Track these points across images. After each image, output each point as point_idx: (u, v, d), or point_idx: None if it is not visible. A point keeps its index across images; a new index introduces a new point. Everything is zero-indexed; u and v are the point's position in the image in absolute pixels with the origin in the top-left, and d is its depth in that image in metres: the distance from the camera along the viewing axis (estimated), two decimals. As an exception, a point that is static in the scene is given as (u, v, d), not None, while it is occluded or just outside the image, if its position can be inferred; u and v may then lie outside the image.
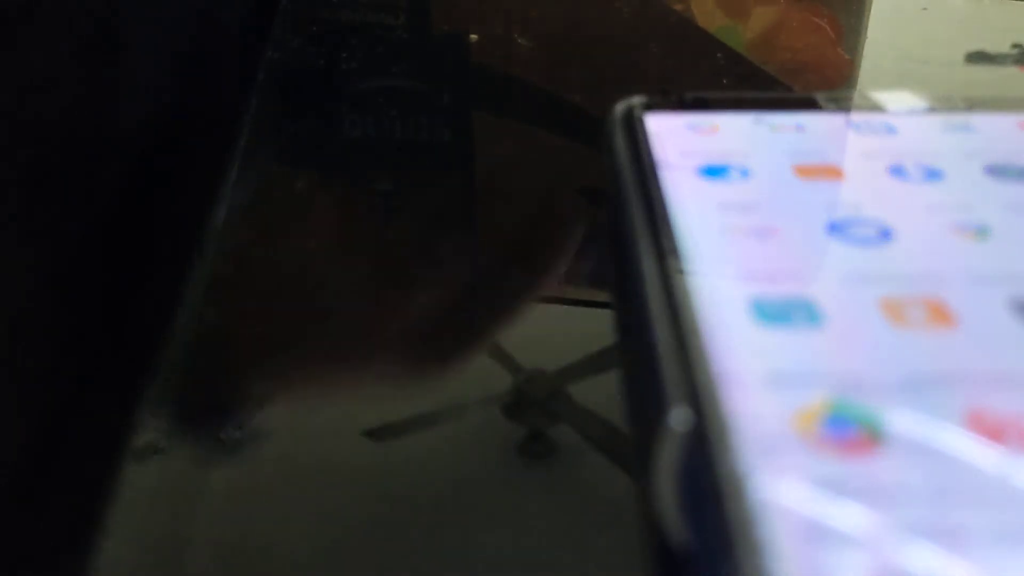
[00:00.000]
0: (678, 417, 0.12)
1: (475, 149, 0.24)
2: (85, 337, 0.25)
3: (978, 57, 0.29)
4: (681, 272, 0.15)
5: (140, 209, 0.27)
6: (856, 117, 0.20)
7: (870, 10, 0.34)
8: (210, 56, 0.31)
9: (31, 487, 0.24)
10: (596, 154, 0.20)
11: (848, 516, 0.11)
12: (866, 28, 0.32)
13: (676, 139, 0.19)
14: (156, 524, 0.13)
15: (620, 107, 0.21)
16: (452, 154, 0.23)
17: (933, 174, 0.18)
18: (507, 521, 0.13)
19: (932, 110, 0.21)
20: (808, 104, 0.21)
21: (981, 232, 0.16)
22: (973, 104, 0.21)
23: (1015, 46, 0.29)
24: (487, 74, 0.28)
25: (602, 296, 0.17)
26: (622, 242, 0.17)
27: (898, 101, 0.21)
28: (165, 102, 0.28)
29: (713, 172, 0.18)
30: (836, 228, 0.16)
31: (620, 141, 0.19)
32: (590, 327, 0.17)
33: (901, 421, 0.12)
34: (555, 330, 0.17)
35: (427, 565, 0.13)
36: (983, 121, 0.20)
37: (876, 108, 0.21)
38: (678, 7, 0.33)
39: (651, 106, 0.21)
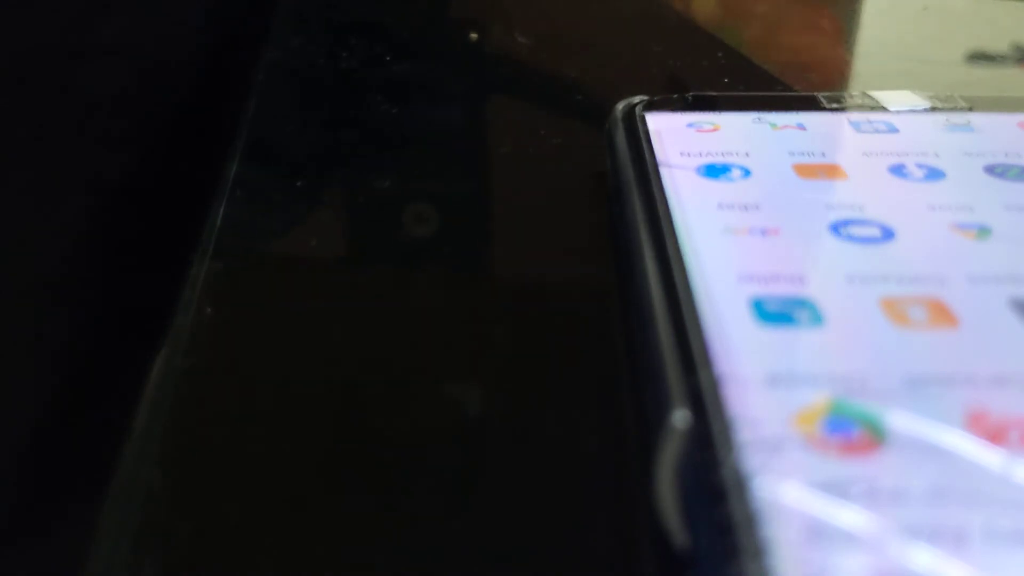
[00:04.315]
0: (679, 417, 0.12)
1: (477, 146, 0.24)
2: (84, 338, 0.25)
3: (978, 57, 0.29)
4: (682, 272, 0.15)
5: (140, 208, 0.27)
6: (857, 116, 0.20)
7: (862, 9, 0.34)
8: (209, 57, 0.31)
9: (32, 486, 0.24)
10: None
11: (849, 516, 0.11)
12: (858, 27, 0.32)
13: (677, 138, 0.19)
14: (155, 524, 0.13)
15: (621, 106, 0.21)
16: (457, 148, 0.23)
17: (934, 173, 0.18)
18: (506, 520, 0.13)
19: (933, 110, 0.21)
20: (808, 104, 0.21)
21: (981, 232, 0.16)
22: (973, 104, 0.21)
23: (1015, 46, 0.29)
24: (489, 69, 0.28)
25: (602, 296, 0.17)
26: (623, 241, 0.17)
27: (899, 101, 0.21)
28: (162, 102, 0.28)
29: (714, 171, 0.18)
30: (837, 227, 0.16)
31: (621, 140, 0.19)
32: (590, 326, 0.17)
33: (902, 421, 0.12)
34: (555, 329, 0.17)
35: (428, 564, 0.13)
36: (983, 121, 0.20)
37: (877, 107, 0.21)
38: (678, 7, 0.33)
39: (652, 105, 0.21)
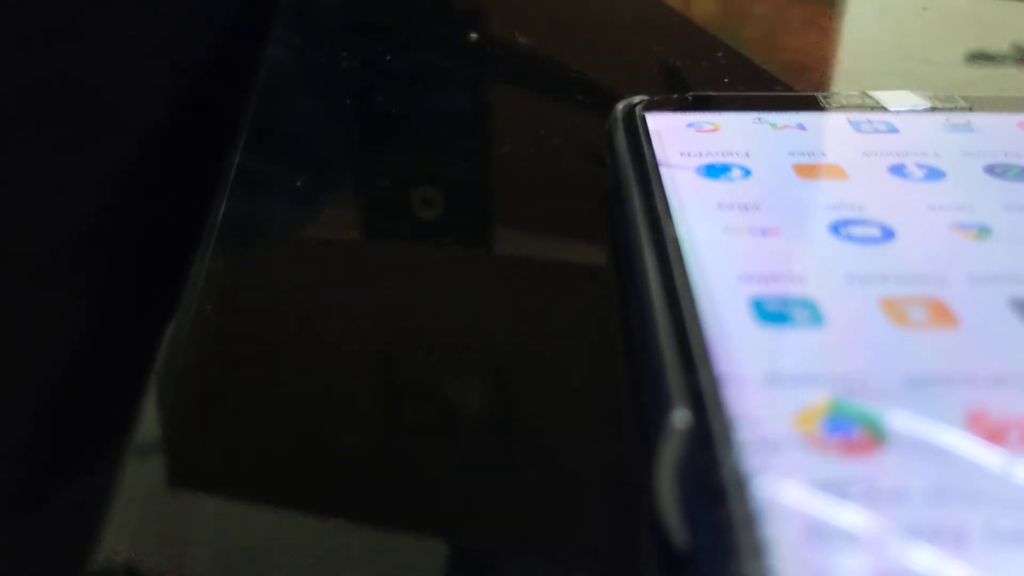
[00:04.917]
0: (679, 417, 0.12)
1: (478, 146, 0.24)
2: (84, 337, 0.25)
3: (978, 57, 0.29)
4: (682, 272, 0.15)
5: (141, 207, 0.27)
6: (857, 116, 0.20)
7: (862, 10, 0.34)
8: (210, 55, 0.31)
9: (32, 486, 0.24)
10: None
11: (849, 516, 0.11)
12: (858, 27, 0.32)
13: (677, 138, 0.19)
14: (156, 522, 0.13)
15: (621, 106, 0.21)
16: (457, 148, 0.23)
17: (933, 173, 0.18)
18: (506, 520, 0.13)
19: (933, 110, 0.21)
20: (808, 104, 0.21)
21: (981, 232, 0.16)
22: (973, 104, 0.21)
23: (1015, 46, 0.29)
24: (489, 69, 0.28)
25: (603, 295, 0.17)
26: (623, 241, 0.17)
27: (899, 100, 0.21)
28: (163, 102, 0.28)
29: (714, 171, 0.18)
30: (837, 228, 0.16)
31: (621, 140, 0.19)
32: (590, 326, 0.17)
33: (902, 421, 0.12)
34: (554, 330, 0.17)
35: (430, 565, 0.13)
36: (983, 121, 0.20)
37: (877, 107, 0.21)
38: (678, 7, 0.33)
39: (652, 105, 0.21)
